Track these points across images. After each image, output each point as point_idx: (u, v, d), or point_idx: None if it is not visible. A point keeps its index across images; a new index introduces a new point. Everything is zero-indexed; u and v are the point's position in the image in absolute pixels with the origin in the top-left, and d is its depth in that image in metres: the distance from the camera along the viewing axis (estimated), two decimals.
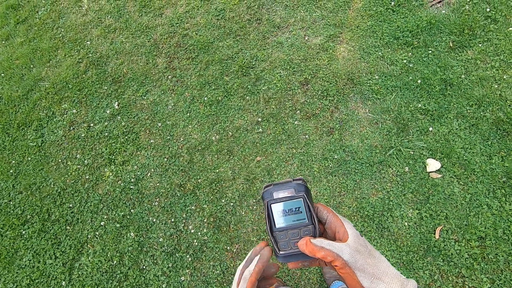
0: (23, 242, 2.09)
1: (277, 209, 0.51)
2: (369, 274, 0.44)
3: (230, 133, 2.20)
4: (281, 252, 0.50)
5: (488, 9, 2.23)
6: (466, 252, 1.65)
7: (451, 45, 2.19)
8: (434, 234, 1.72)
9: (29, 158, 2.38)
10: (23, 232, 2.12)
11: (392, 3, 2.40)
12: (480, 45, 2.14)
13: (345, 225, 0.48)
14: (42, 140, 2.43)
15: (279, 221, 0.51)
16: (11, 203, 2.24)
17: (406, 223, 1.77)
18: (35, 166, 2.34)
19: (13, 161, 2.39)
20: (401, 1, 2.40)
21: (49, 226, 2.12)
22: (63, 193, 2.21)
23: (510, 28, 2.14)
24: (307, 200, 0.50)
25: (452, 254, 1.66)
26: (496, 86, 2.00)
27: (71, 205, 2.16)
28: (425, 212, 1.77)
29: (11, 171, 2.36)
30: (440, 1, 2.36)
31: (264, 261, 0.49)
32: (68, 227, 2.10)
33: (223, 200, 2.01)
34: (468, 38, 2.18)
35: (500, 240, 1.64)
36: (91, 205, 2.14)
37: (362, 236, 0.47)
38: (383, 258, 0.47)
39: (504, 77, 2.01)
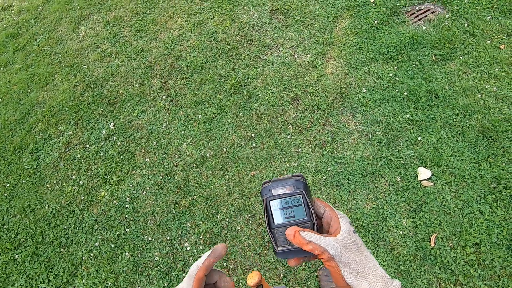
0: (15, 266, 2.05)
1: (275, 205, 0.51)
2: (353, 270, 0.44)
3: (224, 149, 2.23)
4: (279, 248, 0.50)
5: (466, 24, 2.36)
6: (462, 259, 1.65)
7: (434, 58, 2.29)
8: (429, 242, 1.72)
9: (24, 181, 2.38)
10: (16, 256, 2.08)
11: (376, 21, 2.53)
12: (461, 57, 2.24)
13: (340, 220, 0.48)
14: (37, 163, 2.44)
15: (278, 218, 0.50)
16: (5, 227, 2.22)
17: (401, 232, 1.78)
18: (30, 189, 2.34)
19: (8, 185, 2.39)
20: (384, 19, 2.53)
21: (42, 249, 2.09)
22: (57, 215, 2.20)
23: (488, 41, 2.25)
24: (306, 197, 0.50)
25: (448, 261, 1.66)
26: (479, 95, 2.08)
27: (65, 227, 2.14)
28: (419, 220, 1.79)
29: (5, 194, 2.35)
30: (420, 18, 2.49)
31: (216, 255, 0.47)
32: (62, 249, 2.07)
33: (218, 216, 2.01)
34: (449, 51, 2.28)
35: (495, 246, 1.65)
36: (85, 226, 2.12)
37: (355, 233, 0.48)
38: (372, 257, 0.47)
39: (486, 86, 2.10)
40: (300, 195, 0.50)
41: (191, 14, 2.95)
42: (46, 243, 2.11)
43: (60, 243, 2.09)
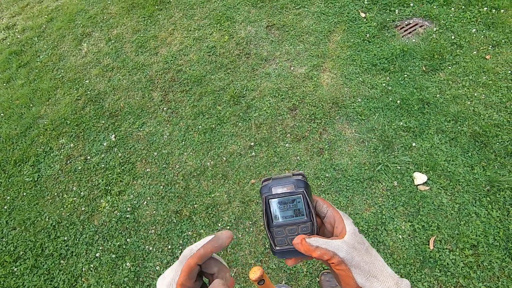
0: (14, 279, 2.03)
1: (275, 204, 0.49)
2: (364, 271, 0.43)
3: (224, 158, 2.27)
4: (277, 248, 0.48)
5: (453, 37, 2.48)
6: (461, 261, 1.68)
7: (424, 68, 2.39)
8: (428, 245, 1.75)
9: (24, 194, 2.38)
10: (15, 269, 2.06)
11: (367, 35, 2.65)
12: (450, 67, 2.35)
13: (344, 220, 0.46)
14: (38, 175, 2.46)
15: (277, 217, 0.49)
16: (4, 240, 2.20)
17: (400, 236, 1.80)
18: (30, 201, 2.34)
19: (8, 197, 2.39)
20: (375, 33, 2.65)
21: (42, 262, 2.07)
22: (58, 227, 2.19)
23: (474, 52, 2.37)
24: (307, 197, 0.48)
25: (448, 264, 1.68)
26: (469, 102, 2.17)
27: (65, 238, 2.13)
28: (417, 224, 1.82)
29: (5, 207, 2.34)
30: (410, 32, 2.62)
31: (216, 244, 0.40)
32: (62, 261, 2.05)
33: (219, 224, 2.03)
34: (438, 62, 2.39)
35: (492, 247, 1.68)
36: (86, 237, 2.12)
37: (360, 233, 0.46)
38: (379, 257, 0.45)
39: (475, 94, 2.19)
40: (301, 195, 0.48)
41: (190, 30, 3.06)
42: (46, 255, 2.10)
43: (60, 255, 2.08)
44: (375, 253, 0.45)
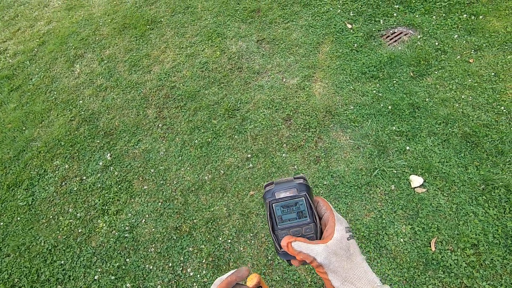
0: None
1: (279, 208, 0.51)
2: (340, 277, 0.46)
3: (222, 171, 2.27)
4: (282, 250, 0.51)
5: (436, 43, 2.58)
6: (463, 261, 1.68)
7: (412, 74, 2.47)
8: (430, 246, 1.75)
9: (18, 218, 2.33)
10: None
11: (355, 45, 2.74)
12: (436, 72, 2.43)
13: (336, 225, 0.49)
14: (32, 199, 2.41)
15: (281, 220, 0.51)
16: None
17: (401, 239, 1.81)
18: (25, 226, 2.29)
19: (1, 223, 2.33)
20: (362, 43, 2.74)
21: None
22: (54, 251, 2.14)
23: (458, 57, 2.46)
24: (309, 199, 0.51)
25: (450, 265, 1.68)
26: (457, 105, 2.23)
27: (62, 262, 2.08)
28: (417, 226, 1.83)
29: None
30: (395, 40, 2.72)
31: (238, 275, 0.51)
32: (59, 286, 1.99)
33: (220, 238, 2.01)
34: (425, 67, 2.47)
35: (492, 245, 1.69)
36: (83, 260, 2.06)
37: (350, 239, 0.48)
38: (364, 264, 0.48)
39: (462, 96, 2.26)
40: (303, 198, 0.51)
41: (182, 47, 3.12)
42: (42, 281, 2.03)
43: (57, 279, 2.02)
44: (358, 260, 0.48)
